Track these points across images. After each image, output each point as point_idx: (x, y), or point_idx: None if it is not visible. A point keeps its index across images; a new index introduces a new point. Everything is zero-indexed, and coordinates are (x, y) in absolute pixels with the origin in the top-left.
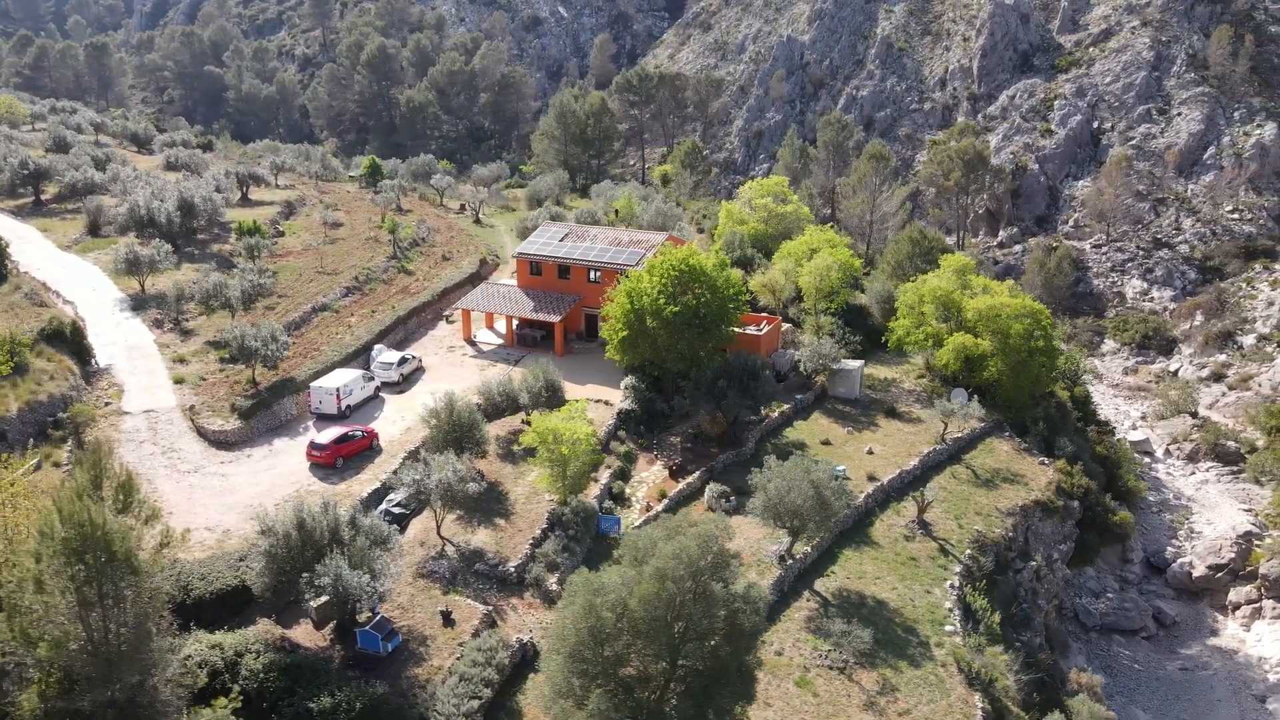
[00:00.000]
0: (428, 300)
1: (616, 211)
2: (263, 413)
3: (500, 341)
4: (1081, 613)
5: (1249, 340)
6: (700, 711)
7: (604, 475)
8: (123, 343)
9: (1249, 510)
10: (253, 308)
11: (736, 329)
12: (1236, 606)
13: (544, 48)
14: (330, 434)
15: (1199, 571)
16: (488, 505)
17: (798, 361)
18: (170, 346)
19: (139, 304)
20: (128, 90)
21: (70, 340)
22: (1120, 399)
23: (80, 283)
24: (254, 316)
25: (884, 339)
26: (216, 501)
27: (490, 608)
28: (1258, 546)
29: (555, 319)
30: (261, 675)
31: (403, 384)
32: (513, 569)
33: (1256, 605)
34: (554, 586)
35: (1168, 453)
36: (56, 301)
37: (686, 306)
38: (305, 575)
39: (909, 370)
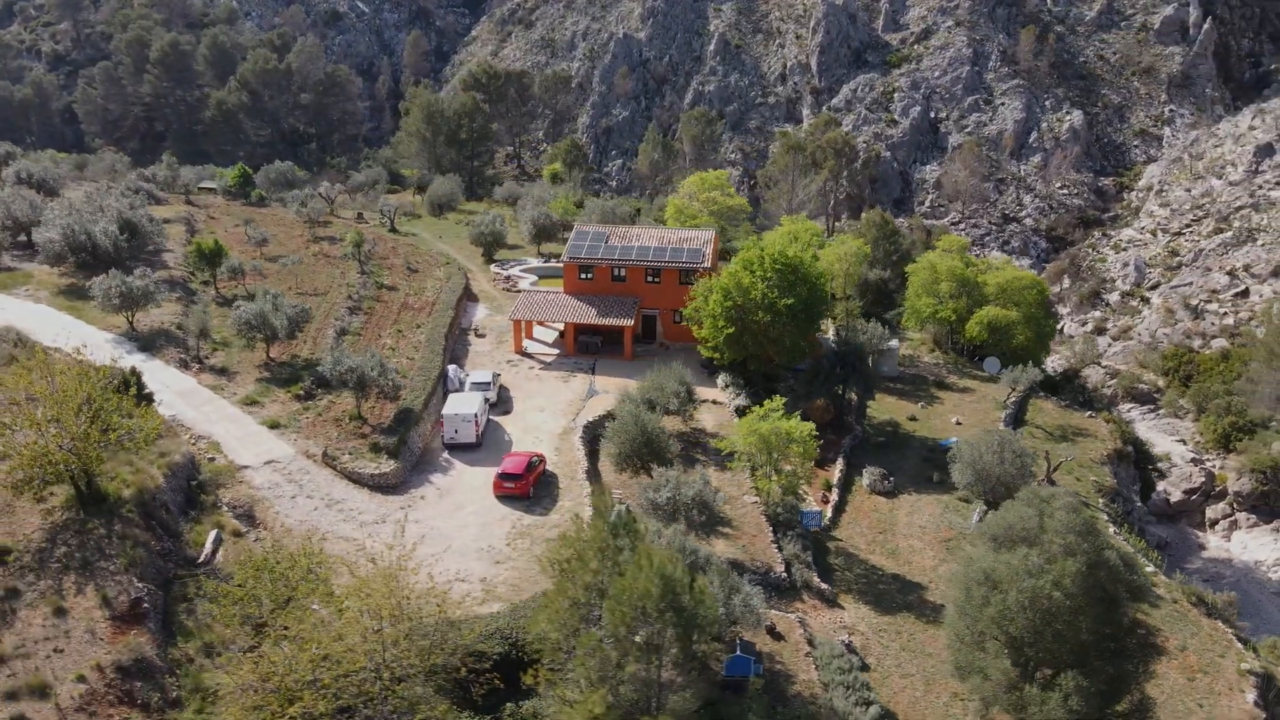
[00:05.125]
0: (453, 316)
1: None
2: (403, 450)
3: (556, 351)
4: None
5: (1114, 297)
6: (1133, 674)
7: None
8: (168, 389)
9: (1181, 441)
10: (299, 335)
11: None
12: (1214, 522)
13: (349, 44)
14: (516, 462)
15: (1176, 497)
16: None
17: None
18: (224, 388)
19: (146, 343)
20: None
21: (137, 391)
22: None
23: (41, 323)
24: (287, 347)
25: (898, 316)
26: (436, 550)
27: (797, 616)
28: (1220, 469)
29: (627, 323)
30: None
31: (500, 404)
32: (783, 574)
33: (1232, 519)
34: (824, 586)
35: None
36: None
37: (799, 299)
38: None
39: (915, 344)
